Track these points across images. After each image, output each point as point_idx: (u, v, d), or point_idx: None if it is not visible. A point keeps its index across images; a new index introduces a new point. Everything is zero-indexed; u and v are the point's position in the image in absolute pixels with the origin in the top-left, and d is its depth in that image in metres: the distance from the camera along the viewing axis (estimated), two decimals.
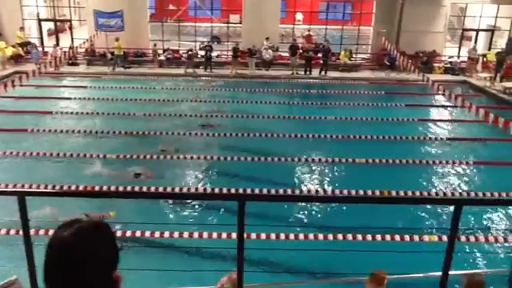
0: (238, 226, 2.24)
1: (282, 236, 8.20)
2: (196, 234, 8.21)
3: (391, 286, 5.63)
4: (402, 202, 7.32)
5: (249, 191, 9.37)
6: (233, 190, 9.46)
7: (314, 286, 6.83)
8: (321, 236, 8.39)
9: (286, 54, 23.14)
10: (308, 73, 22.21)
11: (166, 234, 8.15)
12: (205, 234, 8.18)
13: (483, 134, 14.46)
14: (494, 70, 21.31)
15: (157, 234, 8.15)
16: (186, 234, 8.23)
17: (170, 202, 9.24)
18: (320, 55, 22.60)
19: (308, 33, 26.04)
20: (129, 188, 9.84)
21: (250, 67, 22.26)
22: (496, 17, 24.53)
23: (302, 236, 8.36)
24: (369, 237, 8.29)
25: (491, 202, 8.21)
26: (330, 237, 8.34)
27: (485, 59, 23.59)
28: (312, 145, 13.56)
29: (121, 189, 9.78)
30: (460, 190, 10.96)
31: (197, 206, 9.36)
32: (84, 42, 22.44)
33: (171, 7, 31.04)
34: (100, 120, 15.38)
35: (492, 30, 25.24)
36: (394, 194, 9.93)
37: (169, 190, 9.75)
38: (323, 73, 22.16)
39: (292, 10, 27.92)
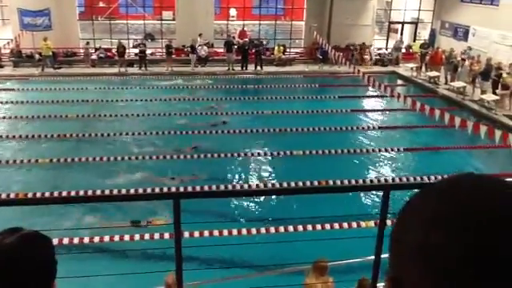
0: (174, 224, 2.26)
1: (225, 232, 8.26)
2: (137, 237, 8.11)
3: (332, 272, 5.87)
4: (334, 191, 7.51)
5: (189, 189, 9.36)
6: (173, 189, 9.42)
7: (257, 279, 6.94)
8: (263, 229, 8.54)
9: (222, 50, 23.16)
10: (244, 68, 22.36)
11: (106, 239, 8.00)
12: (136, 236, 8.09)
13: (411, 121, 15.23)
14: (419, 60, 22.41)
15: (96, 239, 7.97)
16: (126, 237, 8.11)
17: (106, 204, 8.95)
18: (255, 50, 22.81)
19: (242, 28, 26.16)
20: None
21: (192, 64, 22.01)
22: (419, 10, 25.80)
23: (244, 231, 8.46)
24: (309, 227, 8.55)
25: (418, 186, 8.67)
26: (272, 229, 8.52)
27: (410, 50, 24.82)
28: (250, 139, 13.73)
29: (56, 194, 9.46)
30: (392, 176, 11.53)
31: (131, 209, 9.20)
32: (8, 43, 21.30)
33: (101, 4, 30.09)
34: (30, 123, 14.70)
35: (416, 23, 26.54)
36: (331, 183, 10.28)
37: (107, 192, 9.55)
38: (259, 68, 22.39)
39: (226, 6, 27.91)
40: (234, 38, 24.06)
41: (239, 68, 22.34)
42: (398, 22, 26.82)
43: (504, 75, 16.77)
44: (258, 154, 12.58)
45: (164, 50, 22.68)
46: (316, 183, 10.25)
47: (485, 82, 17.80)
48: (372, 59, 23.52)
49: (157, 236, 8.02)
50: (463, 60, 19.65)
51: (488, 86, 17.71)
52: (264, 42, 23.74)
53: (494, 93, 17.29)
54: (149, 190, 9.66)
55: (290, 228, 8.51)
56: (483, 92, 17.60)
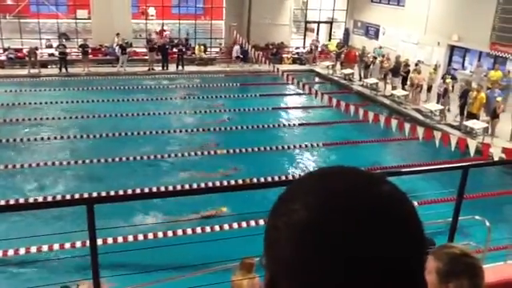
0: (88, 230, 2.25)
1: (151, 235, 8.18)
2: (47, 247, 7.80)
3: (261, 271, 6.00)
4: (256, 188, 7.67)
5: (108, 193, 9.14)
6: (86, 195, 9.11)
7: (184, 281, 6.94)
8: (189, 230, 8.52)
9: (141, 50, 22.72)
10: (165, 68, 22.09)
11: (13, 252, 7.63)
12: (56, 246, 7.80)
13: (329, 117, 15.85)
14: (334, 58, 23.34)
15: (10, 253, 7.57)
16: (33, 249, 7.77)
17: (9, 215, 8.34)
18: (176, 50, 22.62)
19: (161, 28, 25.83)
20: None
21: (122, 64, 21.27)
22: (333, 10, 26.85)
23: (170, 233, 8.40)
24: (235, 225, 8.68)
25: None
26: (198, 229, 8.53)
27: (326, 49, 25.78)
28: (172, 139, 13.63)
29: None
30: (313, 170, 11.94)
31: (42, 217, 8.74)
32: None
33: (10, 2, 28.33)
34: None
35: (331, 22, 27.60)
36: (255, 180, 10.48)
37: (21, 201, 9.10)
38: (180, 67, 22.22)
39: (144, 5, 27.38)
40: (150, 35, 23.68)
41: (160, 68, 22.03)
42: (314, 22, 27.73)
43: (411, 75, 17.96)
44: (182, 155, 12.51)
45: (80, 50, 21.73)
46: (240, 181, 10.42)
47: (395, 78, 18.95)
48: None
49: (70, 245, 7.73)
50: (374, 58, 20.77)
51: (398, 81, 18.87)
52: (188, 40, 23.64)
53: (404, 88, 18.47)
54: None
55: (216, 227, 8.59)
56: (394, 88, 18.73)
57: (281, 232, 0.62)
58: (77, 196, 9.39)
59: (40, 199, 9.55)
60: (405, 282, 0.60)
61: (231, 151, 12.59)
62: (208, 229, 8.56)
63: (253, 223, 8.61)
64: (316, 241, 0.58)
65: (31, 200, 9.43)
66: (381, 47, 22.27)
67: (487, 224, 6.09)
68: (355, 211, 0.60)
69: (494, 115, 13.93)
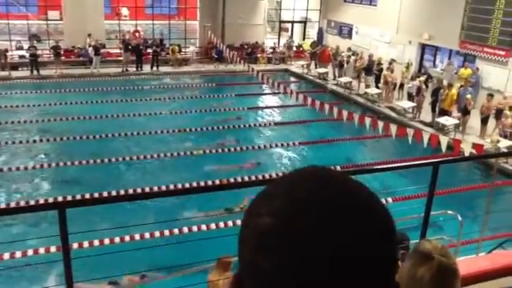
0: (60, 235, 2.22)
1: (127, 238, 8.10)
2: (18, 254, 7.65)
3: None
4: (236, 187, 7.64)
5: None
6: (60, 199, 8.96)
7: (161, 283, 6.91)
8: (167, 232, 8.46)
9: (114, 51, 22.44)
10: (139, 69, 21.86)
11: None
12: (29, 252, 7.65)
13: (304, 116, 15.95)
14: (309, 58, 23.48)
15: None
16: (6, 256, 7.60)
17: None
18: (150, 50, 22.42)
19: (135, 28, 25.56)
20: None
21: (96, 65, 20.93)
22: (307, 9, 27.03)
23: (147, 235, 8.33)
24: (213, 225, 8.68)
25: None
26: (176, 231, 8.48)
27: (300, 48, 25.92)
28: (148, 141, 13.51)
29: None
30: (290, 170, 12.00)
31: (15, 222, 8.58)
32: None
33: None
34: None
35: (304, 22, 27.77)
36: (232, 181, 10.49)
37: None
38: (155, 68, 22.04)
39: (117, 5, 27.06)
40: (125, 35, 23.43)
41: (134, 69, 21.79)
42: (288, 21, 27.86)
43: (384, 72, 18.22)
44: (158, 156, 12.41)
45: (51, 52, 21.30)
46: (217, 181, 10.40)
47: (368, 76, 19.19)
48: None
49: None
50: (348, 57, 20.98)
51: (371, 80, 19.11)
52: (162, 41, 23.51)
53: (377, 87, 18.71)
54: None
55: (194, 228, 8.57)
56: (367, 86, 18.96)
57: (248, 232, 0.63)
58: (51, 200, 9.26)
59: (12, 204, 9.38)
60: (377, 280, 0.60)
61: (207, 151, 12.57)
62: (185, 229, 8.51)
63: (230, 223, 8.63)
64: (277, 242, 0.59)
65: (3, 205, 9.24)
66: (351, 49, 22.37)
67: (459, 218, 6.25)
68: (318, 210, 0.60)
69: (465, 112, 14.26)
